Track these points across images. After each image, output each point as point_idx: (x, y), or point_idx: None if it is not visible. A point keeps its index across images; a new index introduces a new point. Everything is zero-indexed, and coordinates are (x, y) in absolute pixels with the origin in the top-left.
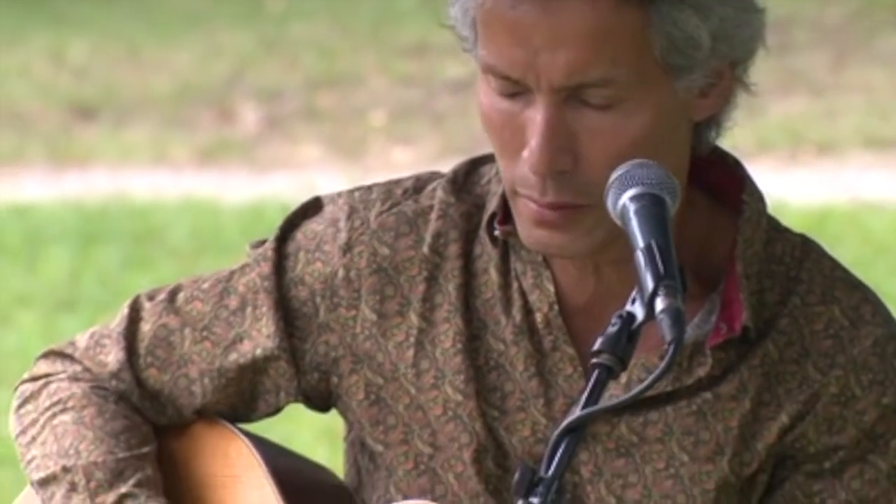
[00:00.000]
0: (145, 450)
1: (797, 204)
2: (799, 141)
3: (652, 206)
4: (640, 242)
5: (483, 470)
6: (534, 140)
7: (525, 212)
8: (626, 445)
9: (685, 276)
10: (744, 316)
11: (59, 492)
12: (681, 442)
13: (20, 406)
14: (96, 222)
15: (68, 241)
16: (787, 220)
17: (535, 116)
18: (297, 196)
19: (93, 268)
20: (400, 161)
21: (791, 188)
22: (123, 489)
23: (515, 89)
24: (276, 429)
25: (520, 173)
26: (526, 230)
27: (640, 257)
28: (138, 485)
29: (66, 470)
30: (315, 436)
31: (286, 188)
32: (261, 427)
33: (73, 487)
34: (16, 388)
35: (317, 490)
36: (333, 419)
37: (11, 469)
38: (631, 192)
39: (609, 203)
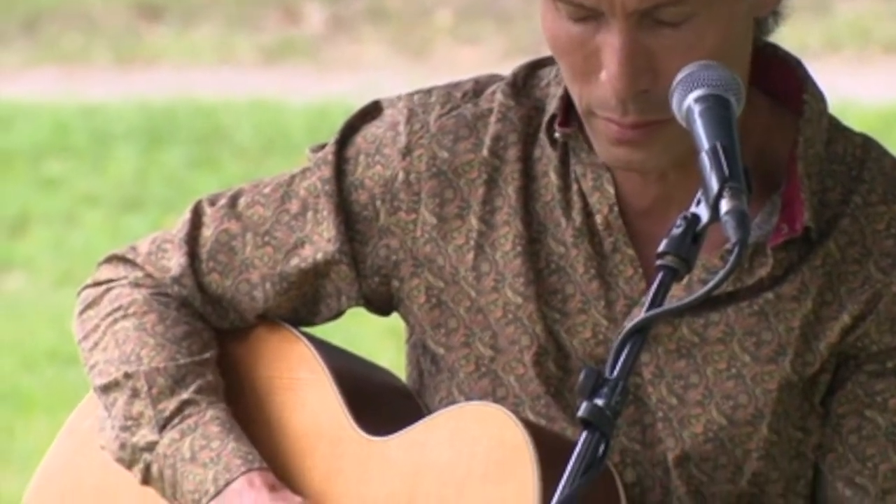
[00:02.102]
0: (206, 355)
1: (865, 104)
2: (866, 41)
3: (717, 108)
4: (706, 144)
5: (544, 372)
6: (613, 65)
7: (605, 131)
8: (688, 346)
9: (750, 177)
10: (805, 216)
11: (121, 398)
12: (742, 342)
13: (82, 311)
14: (162, 122)
15: (135, 141)
16: (854, 120)
17: (612, 41)
18: (362, 97)
19: (159, 168)
20: (465, 62)
21: (858, 88)
22: (185, 395)
23: (586, 14)
24: (340, 330)
25: (597, 95)
26: (604, 149)
27: (705, 159)
28: (199, 391)
29: (127, 376)
30: (379, 337)
31: (351, 89)
32: (325, 329)
33: (134, 393)
34: (78, 294)
35: (378, 392)
36: (397, 320)
37: (81, 370)
38: (696, 94)
39: (674, 105)
